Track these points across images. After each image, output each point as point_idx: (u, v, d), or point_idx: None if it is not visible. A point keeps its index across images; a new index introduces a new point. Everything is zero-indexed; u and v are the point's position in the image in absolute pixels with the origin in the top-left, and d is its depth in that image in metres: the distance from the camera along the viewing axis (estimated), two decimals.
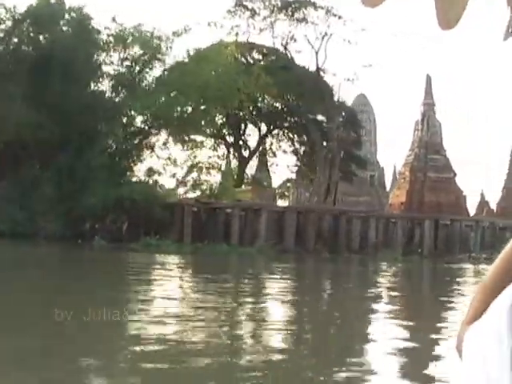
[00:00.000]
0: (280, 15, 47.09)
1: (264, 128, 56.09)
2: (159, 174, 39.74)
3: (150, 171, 39.56)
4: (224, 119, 55.31)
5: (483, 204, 72.11)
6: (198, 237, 36.71)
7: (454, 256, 40.51)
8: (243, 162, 57.59)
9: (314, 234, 38.68)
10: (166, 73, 41.83)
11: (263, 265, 31.07)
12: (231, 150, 57.92)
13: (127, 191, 35.92)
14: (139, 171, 40.18)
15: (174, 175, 41.13)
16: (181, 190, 41.29)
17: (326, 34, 46.81)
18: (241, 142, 58.21)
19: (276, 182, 67.76)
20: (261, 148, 59.08)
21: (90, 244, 34.97)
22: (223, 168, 58.53)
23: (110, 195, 35.46)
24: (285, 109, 49.82)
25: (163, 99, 39.60)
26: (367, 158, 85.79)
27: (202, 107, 41.47)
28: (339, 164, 54.53)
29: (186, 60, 42.02)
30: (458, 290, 22.34)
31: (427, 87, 65.75)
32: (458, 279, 27.06)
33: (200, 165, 59.99)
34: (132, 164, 39.75)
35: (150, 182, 39.50)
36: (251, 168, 60.71)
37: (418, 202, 62.73)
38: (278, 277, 24.13)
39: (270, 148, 59.65)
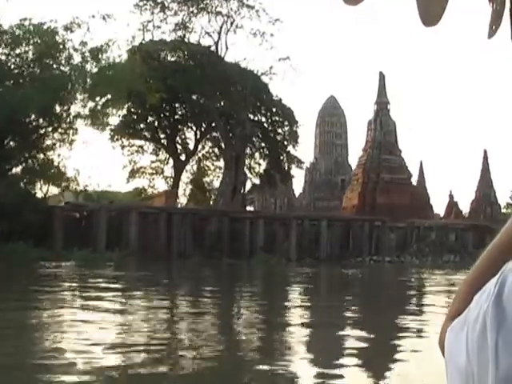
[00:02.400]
0: (192, 8, 45.10)
1: (202, 129, 54.05)
2: (40, 177, 37.79)
3: (27, 173, 37.60)
4: (156, 122, 53.58)
5: (452, 205, 69.07)
6: (70, 242, 34.62)
7: (355, 259, 37.74)
8: (180, 166, 55.54)
9: (190, 238, 36.18)
10: (57, 71, 40.08)
11: (104, 272, 28.71)
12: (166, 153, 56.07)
13: None
14: (16, 173, 38.30)
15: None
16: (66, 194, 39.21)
17: (238, 25, 45.07)
18: (179, 146, 56.24)
19: None
20: (204, 151, 57.30)
21: None
22: (168, 173, 57.07)
23: None
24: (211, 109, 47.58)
25: (53, 98, 37.93)
26: (338, 162, 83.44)
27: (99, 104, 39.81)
28: (270, 163, 52.22)
29: (80, 57, 40.31)
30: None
31: (380, 85, 62.85)
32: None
33: (143, 169, 58.69)
34: (10, 166, 37.80)
35: (24, 185, 37.54)
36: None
37: (370, 205, 59.63)
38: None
39: (213, 151, 57.78)
